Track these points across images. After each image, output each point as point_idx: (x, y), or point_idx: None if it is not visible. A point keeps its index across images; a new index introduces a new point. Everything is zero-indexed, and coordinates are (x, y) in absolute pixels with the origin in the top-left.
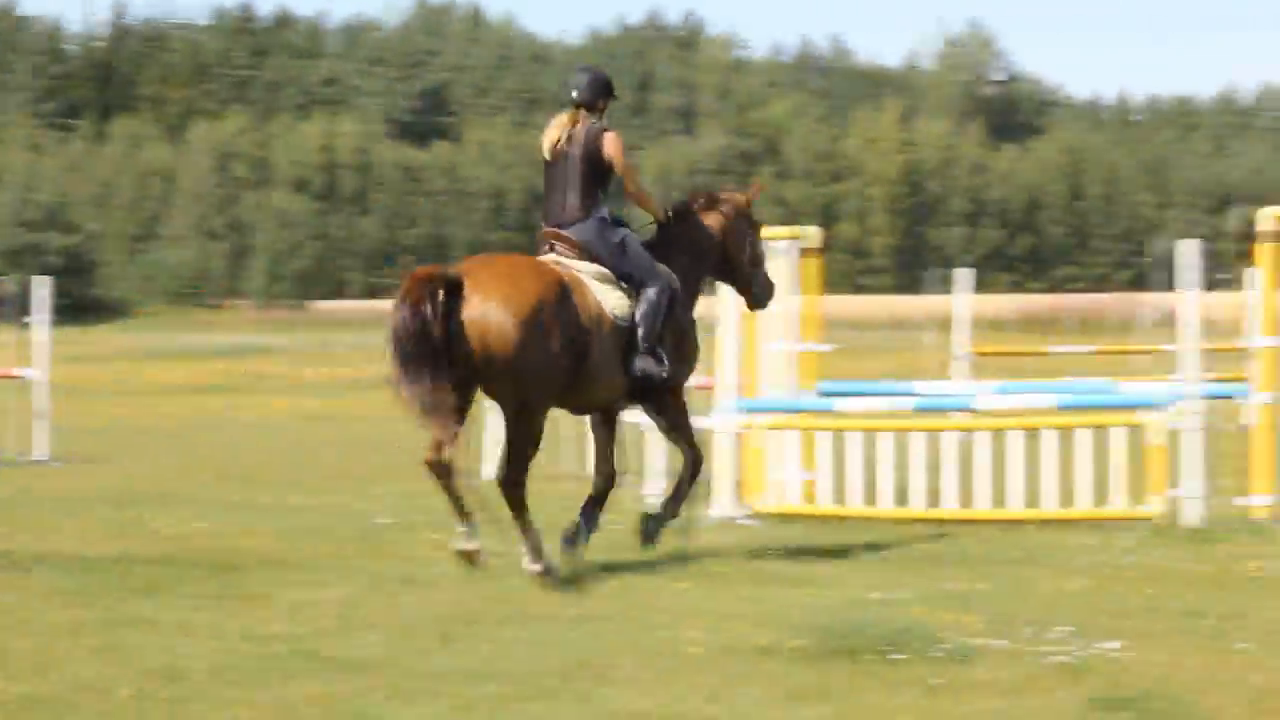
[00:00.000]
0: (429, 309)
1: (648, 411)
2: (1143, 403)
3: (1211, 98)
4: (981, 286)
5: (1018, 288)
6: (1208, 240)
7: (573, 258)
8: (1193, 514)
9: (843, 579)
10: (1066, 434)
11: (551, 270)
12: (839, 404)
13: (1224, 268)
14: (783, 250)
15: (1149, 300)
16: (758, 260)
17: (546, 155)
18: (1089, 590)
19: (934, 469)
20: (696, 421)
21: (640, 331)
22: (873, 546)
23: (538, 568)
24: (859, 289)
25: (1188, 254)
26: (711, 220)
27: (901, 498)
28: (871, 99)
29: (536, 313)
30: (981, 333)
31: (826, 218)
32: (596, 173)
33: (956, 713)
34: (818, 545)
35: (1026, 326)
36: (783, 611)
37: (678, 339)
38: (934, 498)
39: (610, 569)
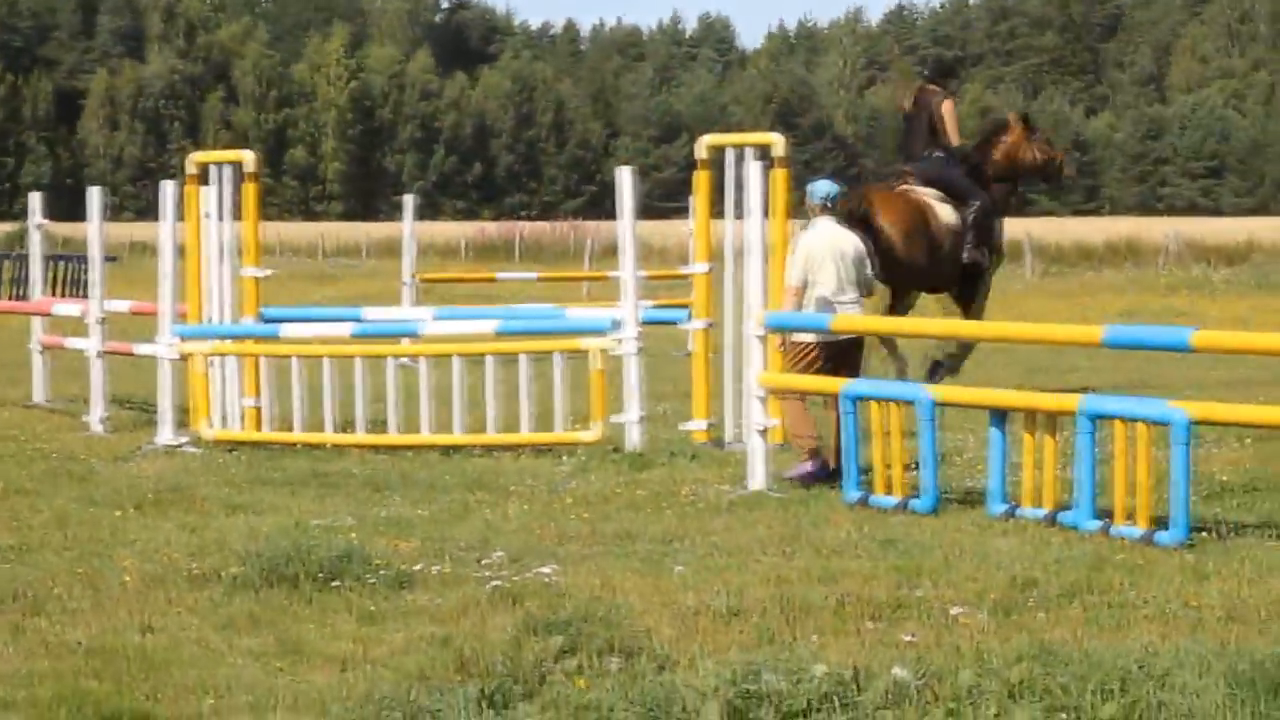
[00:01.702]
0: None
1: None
2: (585, 328)
3: (656, 28)
4: (433, 213)
5: (469, 215)
6: (657, 169)
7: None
8: (633, 439)
9: (284, 506)
10: (510, 360)
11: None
12: (283, 330)
13: (677, 196)
14: (222, 176)
15: (596, 228)
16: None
17: (907, 107)
18: (528, 515)
19: (378, 395)
20: (138, 348)
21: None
22: (315, 473)
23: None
24: (311, 215)
25: (625, 181)
26: (999, 153)
27: (344, 424)
28: (322, 24)
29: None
30: (435, 260)
31: (277, 143)
32: (932, 126)
33: (394, 639)
34: (260, 473)
35: (478, 254)
36: (222, 539)
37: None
38: (377, 424)
39: (49, 497)
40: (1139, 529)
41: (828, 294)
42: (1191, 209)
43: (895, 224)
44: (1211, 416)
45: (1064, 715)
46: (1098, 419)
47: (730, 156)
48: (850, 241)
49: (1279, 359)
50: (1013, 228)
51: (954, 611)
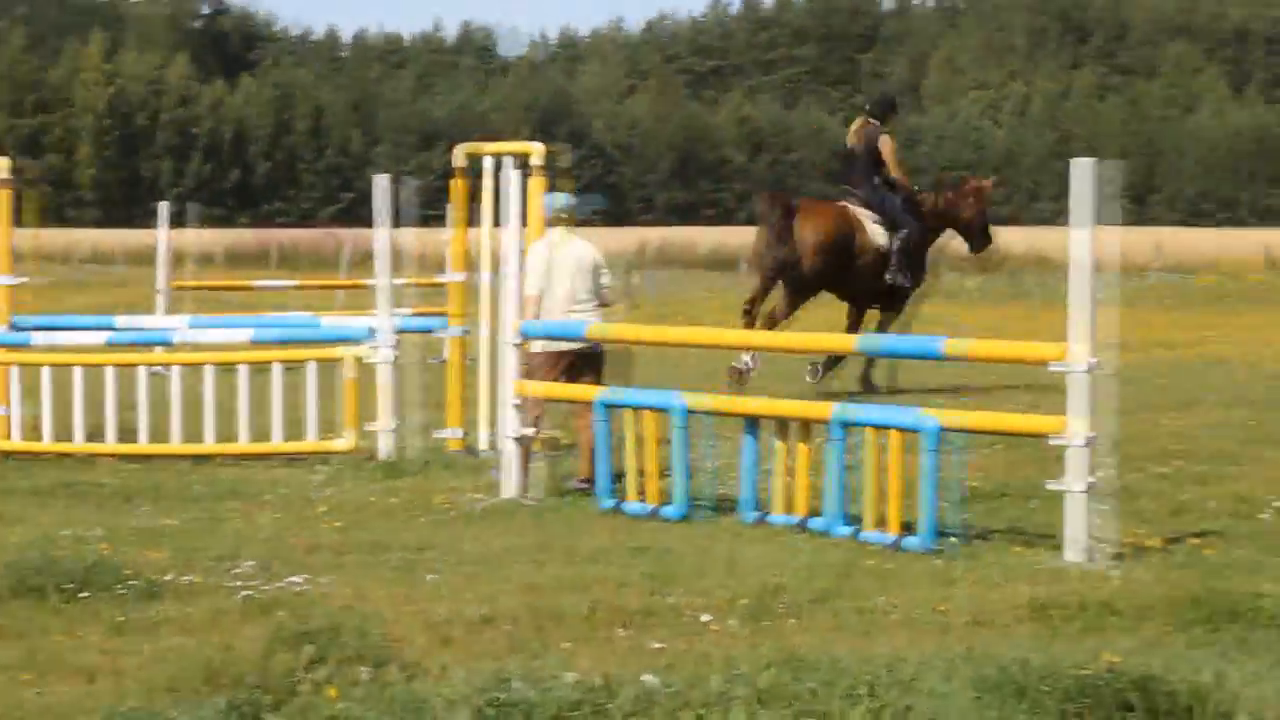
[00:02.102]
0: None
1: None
2: (340, 337)
3: (417, 36)
4: (189, 220)
5: (226, 222)
6: (418, 177)
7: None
8: (386, 447)
9: (32, 516)
10: (263, 368)
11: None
12: (34, 338)
13: (437, 204)
14: None
15: (355, 235)
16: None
17: (848, 142)
18: (279, 524)
19: (128, 404)
20: None
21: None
22: (64, 483)
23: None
24: (66, 222)
25: (381, 189)
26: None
27: (95, 433)
28: (80, 30)
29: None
30: (191, 267)
31: (33, 149)
32: (874, 158)
33: (144, 650)
34: (8, 483)
35: (234, 261)
36: None
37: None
38: (128, 433)
39: None
40: (889, 535)
41: (560, 303)
42: None
43: (813, 233)
44: (961, 423)
45: None
46: (849, 426)
47: (489, 164)
48: (586, 251)
49: (1029, 366)
50: None
51: (704, 618)
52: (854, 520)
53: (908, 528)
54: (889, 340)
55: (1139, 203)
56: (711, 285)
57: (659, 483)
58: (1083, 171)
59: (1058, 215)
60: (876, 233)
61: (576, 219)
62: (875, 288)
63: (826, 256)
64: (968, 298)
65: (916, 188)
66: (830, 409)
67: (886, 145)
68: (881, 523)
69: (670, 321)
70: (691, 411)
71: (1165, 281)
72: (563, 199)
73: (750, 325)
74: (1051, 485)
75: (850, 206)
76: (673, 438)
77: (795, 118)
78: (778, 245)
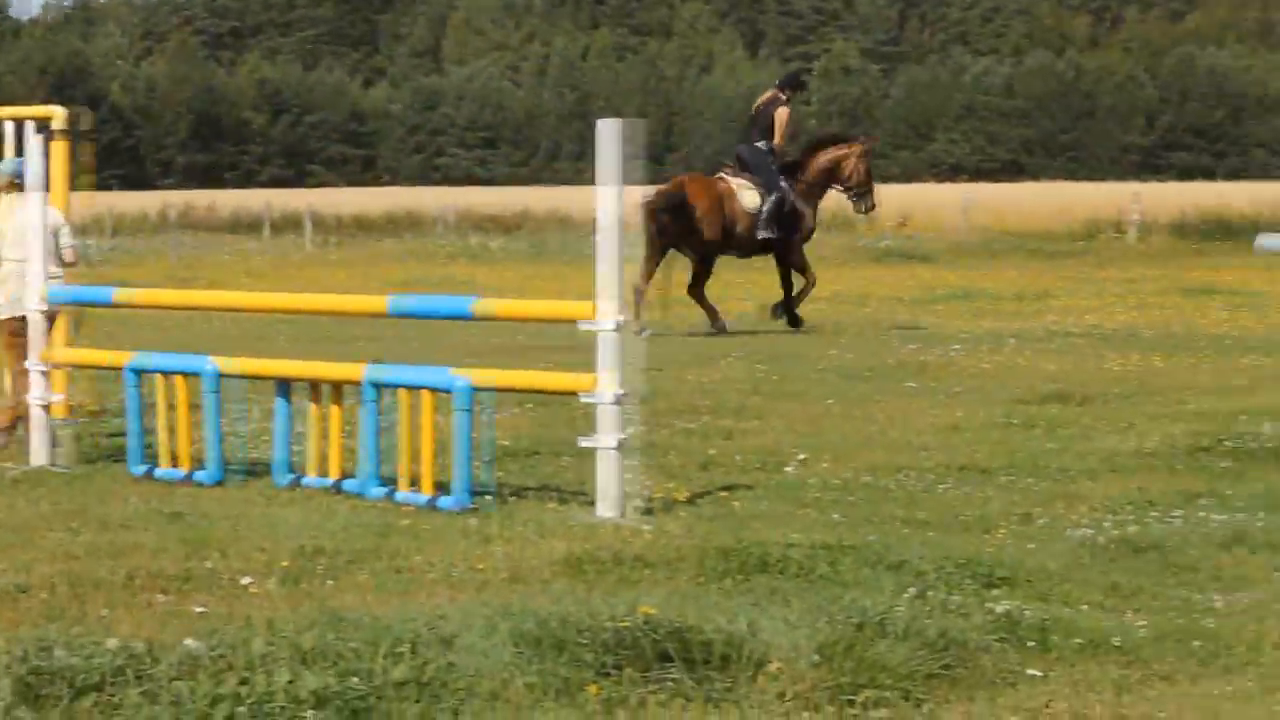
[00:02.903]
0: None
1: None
2: None
3: None
4: None
5: None
6: None
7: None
8: None
9: None
10: None
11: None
12: None
13: None
14: None
15: None
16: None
17: (753, 109)
18: None
19: None
20: None
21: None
22: None
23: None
24: None
25: None
26: (826, 158)
27: None
28: None
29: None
30: None
31: None
32: (767, 126)
33: None
34: None
35: None
36: None
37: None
38: None
39: None
40: (423, 495)
41: (16, 268)
42: (468, 179)
43: (700, 204)
44: (492, 382)
45: (356, 679)
46: (381, 387)
47: (10, 129)
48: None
49: (554, 325)
50: (293, 199)
51: (244, 581)
52: (389, 481)
53: (442, 487)
54: (420, 301)
55: (658, 162)
56: (233, 248)
57: (192, 447)
58: (608, 131)
59: (579, 174)
60: (747, 198)
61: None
62: (754, 244)
63: (711, 225)
64: (491, 258)
65: (786, 155)
66: (362, 370)
67: (780, 116)
68: (416, 483)
69: (194, 285)
70: (223, 375)
71: None
72: (11, 164)
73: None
74: (583, 442)
75: (726, 178)
76: (204, 402)
77: (315, 79)
78: (666, 225)
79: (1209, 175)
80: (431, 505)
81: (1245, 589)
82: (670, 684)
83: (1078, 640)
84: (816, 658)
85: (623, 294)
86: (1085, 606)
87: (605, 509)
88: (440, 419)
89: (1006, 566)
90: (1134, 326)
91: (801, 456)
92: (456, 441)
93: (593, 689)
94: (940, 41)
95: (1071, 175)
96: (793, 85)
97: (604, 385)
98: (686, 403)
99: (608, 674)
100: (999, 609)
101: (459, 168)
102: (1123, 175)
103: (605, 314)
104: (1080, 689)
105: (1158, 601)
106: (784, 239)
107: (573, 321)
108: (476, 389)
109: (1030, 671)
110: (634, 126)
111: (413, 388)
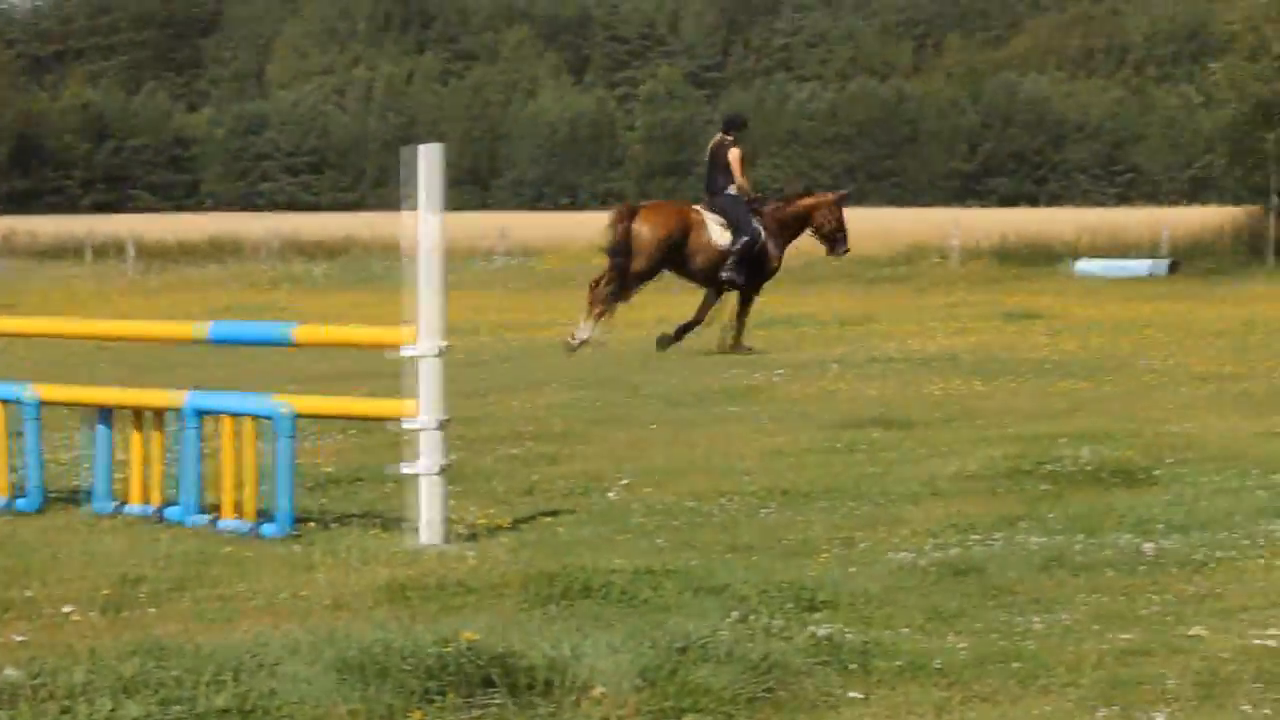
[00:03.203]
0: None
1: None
2: None
3: None
4: None
5: None
6: None
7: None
8: None
9: None
10: None
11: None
12: None
13: None
14: None
15: None
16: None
17: (706, 156)
18: None
19: None
20: None
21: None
22: None
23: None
24: None
25: None
26: (799, 207)
27: None
28: None
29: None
30: None
31: None
32: (725, 168)
33: None
34: None
35: None
36: None
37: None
38: None
39: None
40: (246, 522)
41: None
42: (292, 205)
43: (646, 227)
44: (314, 409)
45: (178, 707)
46: (203, 414)
47: None
48: None
49: (377, 352)
50: (115, 225)
51: (65, 610)
52: (211, 508)
53: (265, 514)
54: (241, 327)
55: (483, 188)
56: (54, 274)
57: (13, 475)
58: (427, 157)
59: (404, 200)
60: (717, 234)
61: None
62: (711, 279)
63: (658, 252)
64: (314, 285)
65: (759, 194)
66: (184, 397)
67: (733, 157)
68: (237, 510)
69: (14, 312)
70: (44, 403)
71: (512, 265)
72: None
73: (595, 302)
74: (406, 468)
75: (700, 210)
76: (25, 430)
77: (137, 103)
78: (617, 242)
79: (1030, 201)
80: (254, 533)
81: (1064, 610)
82: (493, 710)
83: (899, 662)
84: (639, 682)
85: (444, 319)
86: (906, 629)
87: (428, 535)
88: (263, 446)
89: (828, 590)
90: (955, 351)
91: (625, 482)
92: (279, 468)
93: (416, 715)
94: (764, 67)
95: (894, 201)
96: (735, 125)
97: (426, 411)
98: (510, 429)
99: (431, 700)
100: (821, 632)
101: (283, 193)
102: (945, 201)
103: (426, 340)
104: (901, 711)
105: (978, 624)
106: (750, 280)
107: (395, 347)
108: (298, 416)
109: (851, 694)
110: (455, 152)
111: (235, 414)
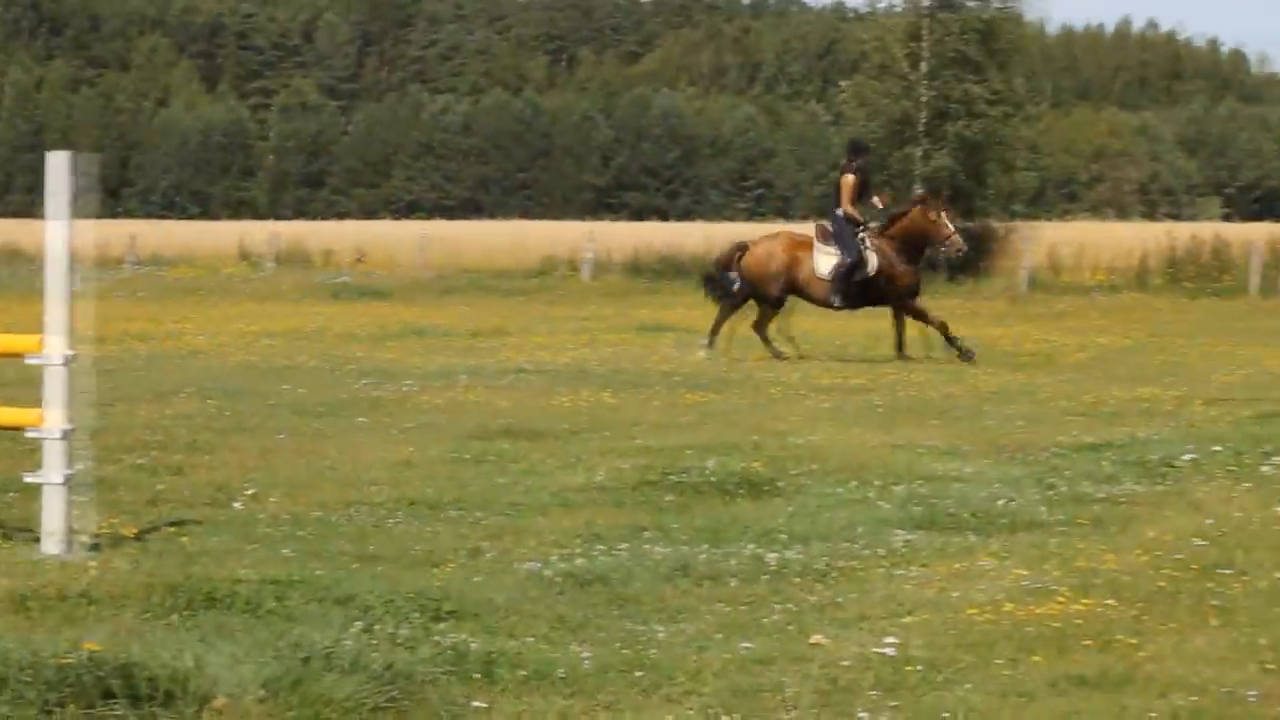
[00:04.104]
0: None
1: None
2: None
3: None
4: None
5: None
6: None
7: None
8: None
9: None
10: None
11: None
12: None
13: None
14: None
15: None
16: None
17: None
18: None
19: None
20: None
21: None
22: None
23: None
24: None
25: None
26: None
27: None
28: None
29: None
30: None
31: None
32: (837, 195)
33: None
34: None
35: None
36: None
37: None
38: None
39: None
40: None
41: None
42: None
43: (750, 267)
44: None
45: None
46: None
47: None
48: None
49: (6, 359)
50: None
51: None
52: None
53: None
54: None
55: (114, 196)
56: None
57: None
58: (58, 164)
59: (33, 207)
60: (821, 262)
61: None
62: (824, 301)
63: (764, 283)
64: None
65: (870, 221)
66: None
67: (844, 183)
68: None
69: None
70: None
71: (141, 274)
72: None
73: (759, 333)
74: (30, 478)
75: (812, 239)
76: None
77: None
78: (721, 280)
79: (662, 215)
80: None
81: (688, 620)
82: None
83: (523, 672)
84: (263, 692)
85: (71, 327)
86: (531, 638)
87: (51, 545)
88: None
89: (455, 600)
90: (586, 363)
91: (251, 491)
92: None
93: None
94: (399, 79)
95: (528, 213)
96: (853, 151)
97: (51, 420)
98: (137, 438)
99: (50, 712)
100: (446, 641)
101: None
102: (579, 214)
103: (53, 348)
104: None
105: (603, 633)
106: (878, 300)
107: (20, 356)
108: None
109: (476, 703)
110: (86, 160)
111: None
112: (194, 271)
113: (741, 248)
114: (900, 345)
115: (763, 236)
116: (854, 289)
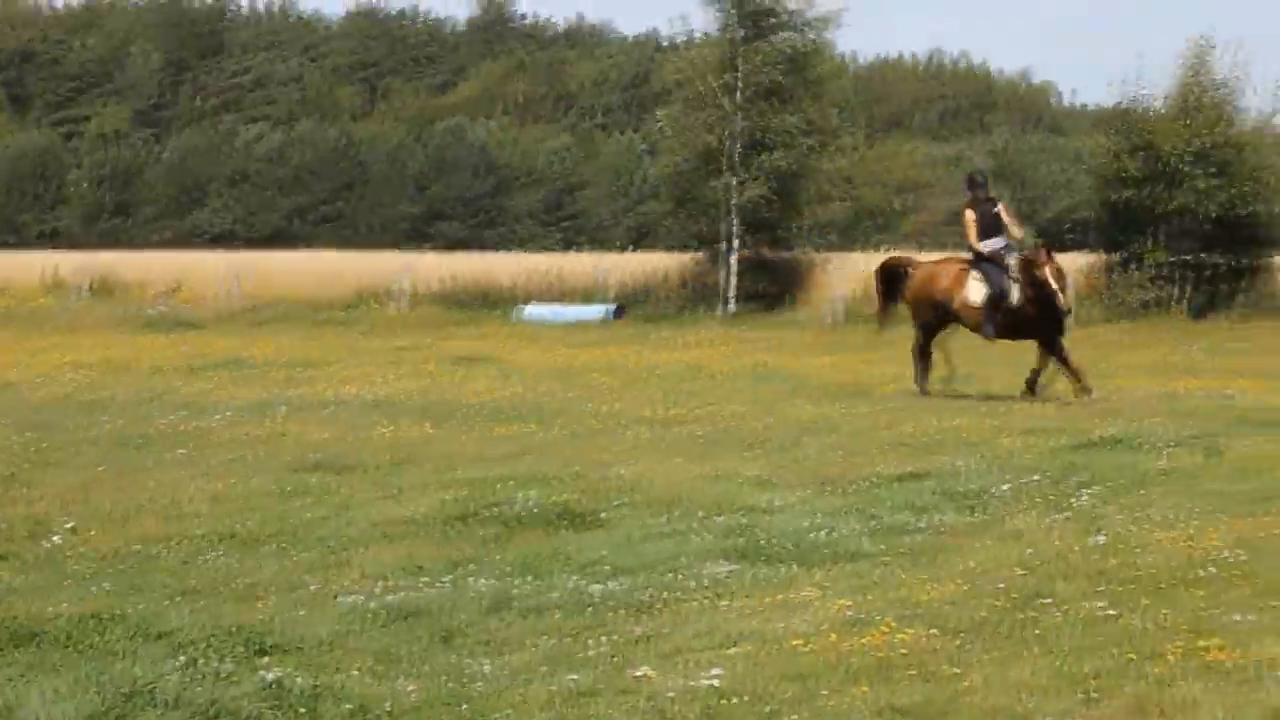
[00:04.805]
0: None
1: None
2: None
3: None
4: None
5: None
6: None
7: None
8: None
9: None
10: None
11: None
12: None
13: None
14: None
15: None
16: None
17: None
18: None
19: None
20: None
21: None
22: None
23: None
24: None
25: None
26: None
27: None
28: None
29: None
30: None
31: None
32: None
33: None
34: None
35: None
36: None
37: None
38: None
39: None
40: None
41: None
42: None
43: (909, 290)
44: None
45: None
46: None
47: None
48: None
49: None
50: None
51: None
52: None
53: None
54: None
55: None
56: None
57: None
58: None
59: None
60: (974, 289)
61: None
62: (975, 327)
63: (920, 310)
64: None
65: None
66: None
67: (965, 220)
68: None
69: None
70: None
71: None
72: None
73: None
74: None
75: (965, 269)
76: None
77: None
78: (883, 301)
79: (477, 245)
80: None
81: (511, 653)
82: None
83: (348, 706)
84: None
85: None
86: (355, 672)
87: None
88: None
89: (277, 634)
90: (403, 395)
91: (70, 525)
92: None
93: None
94: (212, 107)
95: (342, 243)
96: (969, 185)
97: None
98: None
99: None
100: (269, 676)
101: None
102: (393, 244)
103: None
104: None
105: (427, 666)
106: (1025, 334)
107: None
108: None
109: None
110: None
111: None
112: (3, 302)
113: (900, 268)
114: (1032, 384)
115: (928, 261)
116: (1004, 320)
